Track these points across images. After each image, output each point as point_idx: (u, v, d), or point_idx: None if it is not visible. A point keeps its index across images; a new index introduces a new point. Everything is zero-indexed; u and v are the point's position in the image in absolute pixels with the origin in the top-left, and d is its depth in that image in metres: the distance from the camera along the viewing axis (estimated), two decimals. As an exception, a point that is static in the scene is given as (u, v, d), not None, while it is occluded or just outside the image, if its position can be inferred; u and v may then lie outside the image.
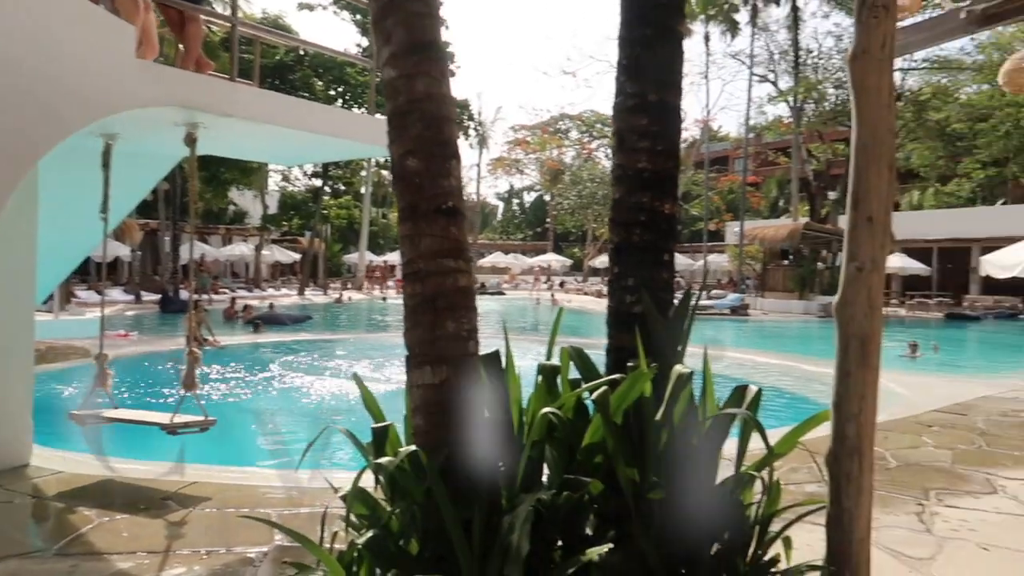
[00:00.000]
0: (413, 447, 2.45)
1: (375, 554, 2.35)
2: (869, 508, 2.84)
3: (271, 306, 22.14)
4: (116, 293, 26.80)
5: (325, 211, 39.78)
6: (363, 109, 29.46)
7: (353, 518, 2.53)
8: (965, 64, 34.60)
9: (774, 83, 40.60)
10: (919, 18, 5.31)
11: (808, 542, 2.98)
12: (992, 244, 21.43)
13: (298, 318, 21.37)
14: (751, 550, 2.64)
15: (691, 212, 51.44)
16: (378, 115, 7.98)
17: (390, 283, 40.65)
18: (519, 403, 2.88)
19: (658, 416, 2.51)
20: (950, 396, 9.12)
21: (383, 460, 2.50)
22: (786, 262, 32.69)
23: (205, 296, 24.31)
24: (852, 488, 2.78)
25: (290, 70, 33.28)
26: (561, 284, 43.52)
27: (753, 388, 2.88)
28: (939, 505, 4.87)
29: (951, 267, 31.71)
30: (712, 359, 2.97)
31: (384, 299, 32.60)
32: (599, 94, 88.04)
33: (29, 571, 3.63)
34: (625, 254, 3.17)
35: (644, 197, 3.13)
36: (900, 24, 4.76)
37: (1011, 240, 16.97)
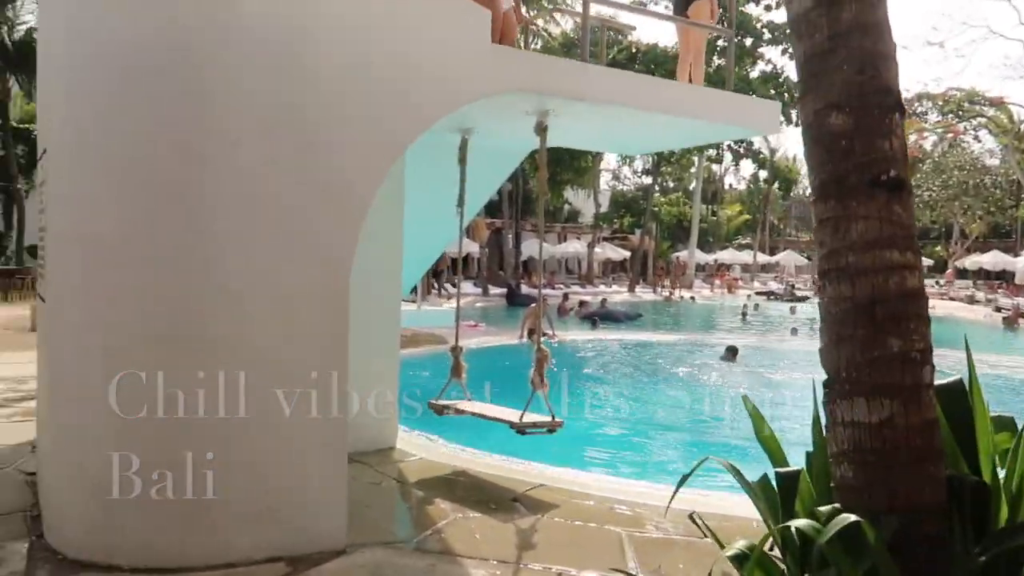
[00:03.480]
0: (848, 516, 1.75)
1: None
2: None
3: (603, 302, 22.36)
4: (467, 287, 29.38)
5: (655, 208, 39.51)
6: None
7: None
8: None
9: None
10: None
11: None
12: None
13: (631, 315, 21.29)
14: None
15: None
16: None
17: (718, 282, 39.15)
18: (991, 451, 2.02)
19: None
20: None
21: (800, 524, 1.84)
22: None
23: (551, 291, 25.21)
24: None
25: (623, 68, 33.52)
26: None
27: None
28: None
29: None
30: None
31: (693, 299, 31.17)
32: (973, 65, 76.02)
33: (392, 564, 3.62)
34: None
35: None
36: None
37: None
